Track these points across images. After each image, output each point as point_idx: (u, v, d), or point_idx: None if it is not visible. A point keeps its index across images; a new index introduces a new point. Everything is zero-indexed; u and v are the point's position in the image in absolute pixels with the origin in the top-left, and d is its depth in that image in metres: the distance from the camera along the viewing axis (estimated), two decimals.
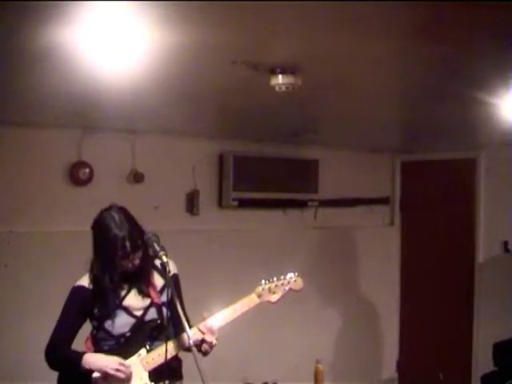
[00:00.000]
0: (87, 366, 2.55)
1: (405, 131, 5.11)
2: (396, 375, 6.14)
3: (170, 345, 2.60)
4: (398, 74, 2.97)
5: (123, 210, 2.64)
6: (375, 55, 2.54)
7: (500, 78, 2.87)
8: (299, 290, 2.85)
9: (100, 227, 2.61)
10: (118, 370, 2.53)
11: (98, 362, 2.56)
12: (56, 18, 1.93)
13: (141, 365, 2.62)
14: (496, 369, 4.63)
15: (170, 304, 2.57)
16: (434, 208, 5.87)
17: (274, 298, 2.78)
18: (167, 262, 2.56)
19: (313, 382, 3.91)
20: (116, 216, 2.58)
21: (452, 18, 2.04)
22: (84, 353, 2.61)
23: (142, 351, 2.64)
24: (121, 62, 2.45)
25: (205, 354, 2.65)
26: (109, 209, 2.63)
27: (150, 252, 2.64)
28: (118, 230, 2.54)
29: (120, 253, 2.55)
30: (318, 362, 3.92)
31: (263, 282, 2.79)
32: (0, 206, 4.02)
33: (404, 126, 4.83)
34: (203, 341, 2.63)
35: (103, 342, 2.66)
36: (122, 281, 2.66)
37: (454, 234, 5.72)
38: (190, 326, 2.65)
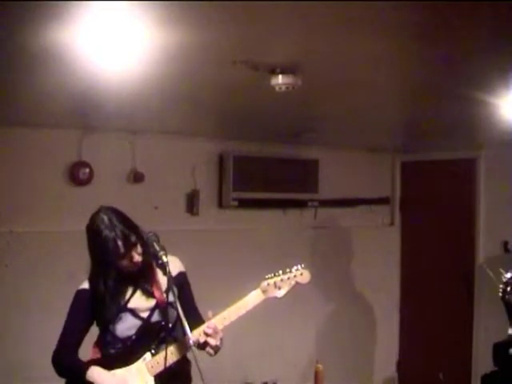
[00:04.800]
0: (91, 380, 2.54)
1: (405, 131, 5.11)
2: (396, 375, 6.14)
3: (174, 348, 2.58)
4: (398, 74, 2.97)
5: (112, 210, 2.58)
6: (375, 55, 2.54)
7: (500, 77, 2.87)
8: (306, 284, 2.73)
9: (91, 232, 2.57)
10: None
11: (100, 378, 2.54)
12: (56, 18, 1.92)
13: (146, 369, 2.59)
14: (496, 369, 4.63)
15: (177, 304, 2.54)
16: (434, 208, 5.87)
17: (280, 293, 2.68)
18: (167, 262, 2.53)
19: (313, 381, 3.92)
20: (105, 217, 2.53)
21: (452, 18, 2.04)
22: (89, 365, 2.58)
23: (147, 355, 2.60)
24: (121, 62, 2.45)
25: (211, 355, 2.64)
26: (98, 212, 2.57)
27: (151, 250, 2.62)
28: (108, 231, 2.49)
29: (114, 254, 2.51)
30: (317, 361, 3.93)
31: (268, 276, 2.69)
32: (0, 206, 4.02)
33: (404, 126, 4.83)
34: (207, 343, 2.59)
35: (109, 346, 2.63)
36: (126, 282, 2.64)
37: (454, 233, 5.72)
38: (200, 324, 2.62)
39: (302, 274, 2.72)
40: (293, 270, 2.72)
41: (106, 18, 1.94)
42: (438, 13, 1.98)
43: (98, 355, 2.67)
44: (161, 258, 2.54)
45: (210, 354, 2.63)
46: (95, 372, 2.56)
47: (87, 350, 2.70)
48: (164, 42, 2.22)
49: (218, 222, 5.01)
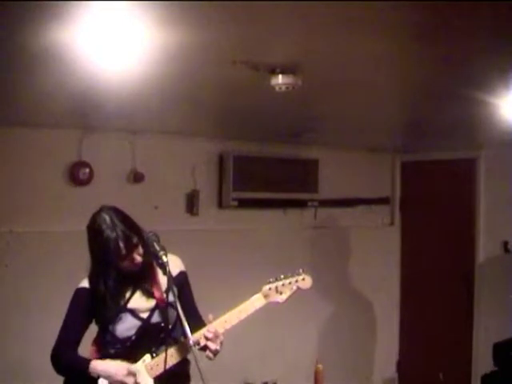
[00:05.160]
0: (95, 375, 2.51)
1: (405, 131, 5.11)
2: (396, 375, 6.14)
3: (174, 350, 2.57)
4: (398, 74, 2.97)
5: (114, 210, 2.56)
6: (375, 55, 2.54)
7: (500, 77, 2.86)
8: (308, 289, 2.71)
9: (92, 231, 2.54)
10: (126, 376, 2.50)
11: (107, 369, 2.51)
12: (56, 18, 1.92)
13: (146, 371, 2.57)
14: (496, 369, 4.63)
15: (177, 304, 2.53)
16: (434, 208, 5.87)
17: (282, 298, 2.66)
18: (167, 262, 2.52)
19: (313, 382, 3.91)
20: (107, 217, 2.50)
21: (452, 18, 2.04)
22: (90, 360, 2.56)
23: (147, 357, 2.58)
24: (121, 62, 2.45)
25: (210, 358, 2.63)
26: (99, 211, 2.55)
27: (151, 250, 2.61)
28: (110, 232, 2.47)
29: (115, 255, 2.49)
30: (317, 362, 3.92)
31: (270, 280, 2.67)
32: (0, 205, 4.02)
33: (404, 126, 4.83)
34: (207, 346, 2.58)
35: (109, 346, 2.62)
36: (126, 282, 2.62)
37: (454, 233, 5.72)
38: (202, 326, 2.62)
39: (303, 279, 2.71)
40: (294, 274, 2.71)
41: (106, 18, 1.94)
42: (438, 13, 1.98)
43: (97, 354, 2.65)
44: (161, 258, 2.53)
45: (210, 358, 2.61)
46: (98, 363, 2.54)
47: (86, 348, 2.70)
48: (164, 42, 2.22)
49: (217, 222, 5.01)
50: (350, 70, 2.82)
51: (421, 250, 6.02)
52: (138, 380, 2.53)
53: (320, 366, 3.91)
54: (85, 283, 2.64)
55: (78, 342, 2.63)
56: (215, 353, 2.60)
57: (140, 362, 2.58)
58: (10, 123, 3.95)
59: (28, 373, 3.86)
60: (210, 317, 2.62)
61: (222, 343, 2.61)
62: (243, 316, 2.63)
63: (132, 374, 2.51)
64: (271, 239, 5.21)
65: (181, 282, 2.69)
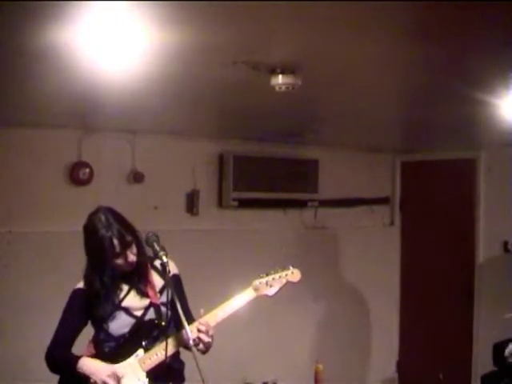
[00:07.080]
0: (81, 371, 2.55)
1: (405, 131, 5.11)
2: (396, 375, 6.14)
3: (169, 343, 2.59)
4: (398, 74, 2.97)
5: (110, 210, 2.65)
6: (375, 55, 2.54)
7: (500, 77, 2.86)
8: (297, 282, 2.81)
9: (88, 231, 2.63)
10: (108, 377, 2.53)
11: (90, 368, 2.56)
12: (56, 17, 1.92)
13: (138, 365, 2.61)
14: (496, 369, 4.63)
15: (171, 304, 2.56)
16: (434, 208, 5.87)
17: (271, 291, 2.74)
18: (167, 262, 2.56)
19: (313, 382, 3.92)
20: (103, 217, 2.59)
21: (452, 17, 2.04)
22: (80, 357, 2.61)
23: (140, 351, 2.63)
24: (121, 62, 2.45)
25: (203, 352, 2.65)
26: (96, 212, 2.63)
27: (150, 252, 2.65)
28: (105, 231, 2.55)
29: (110, 252, 2.55)
30: (317, 362, 3.93)
31: (261, 275, 2.76)
32: (0, 206, 4.02)
33: (404, 126, 4.83)
34: (200, 340, 2.61)
35: (104, 344, 2.67)
36: (121, 281, 2.67)
37: (454, 234, 5.72)
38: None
39: (292, 273, 2.80)
40: (284, 268, 2.80)
41: (106, 18, 1.94)
42: (439, 13, 1.98)
43: (92, 354, 2.68)
44: (161, 258, 2.57)
45: (202, 352, 2.64)
46: (86, 362, 2.58)
47: (82, 349, 2.71)
48: (164, 42, 2.22)
49: (218, 222, 5.01)
50: (350, 70, 2.82)
51: (421, 250, 6.02)
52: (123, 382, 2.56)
53: (320, 365, 3.91)
54: (81, 284, 2.69)
55: (72, 342, 2.67)
56: (207, 345, 2.63)
57: (133, 357, 2.62)
58: (10, 123, 3.95)
59: (27, 373, 3.86)
60: (202, 311, 2.67)
61: (212, 336, 2.65)
62: (233, 309, 2.69)
63: (115, 376, 2.54)
64: (271, 239, 5.21)
65: (174, 285, 2.71)
